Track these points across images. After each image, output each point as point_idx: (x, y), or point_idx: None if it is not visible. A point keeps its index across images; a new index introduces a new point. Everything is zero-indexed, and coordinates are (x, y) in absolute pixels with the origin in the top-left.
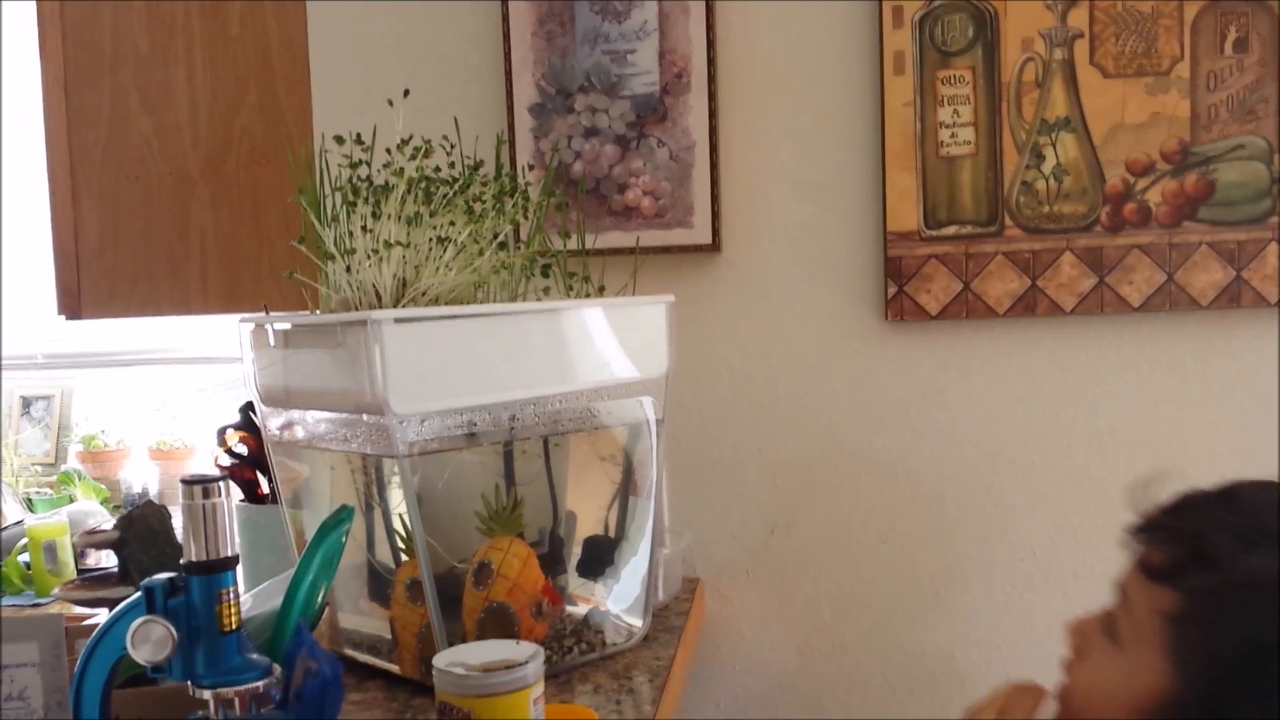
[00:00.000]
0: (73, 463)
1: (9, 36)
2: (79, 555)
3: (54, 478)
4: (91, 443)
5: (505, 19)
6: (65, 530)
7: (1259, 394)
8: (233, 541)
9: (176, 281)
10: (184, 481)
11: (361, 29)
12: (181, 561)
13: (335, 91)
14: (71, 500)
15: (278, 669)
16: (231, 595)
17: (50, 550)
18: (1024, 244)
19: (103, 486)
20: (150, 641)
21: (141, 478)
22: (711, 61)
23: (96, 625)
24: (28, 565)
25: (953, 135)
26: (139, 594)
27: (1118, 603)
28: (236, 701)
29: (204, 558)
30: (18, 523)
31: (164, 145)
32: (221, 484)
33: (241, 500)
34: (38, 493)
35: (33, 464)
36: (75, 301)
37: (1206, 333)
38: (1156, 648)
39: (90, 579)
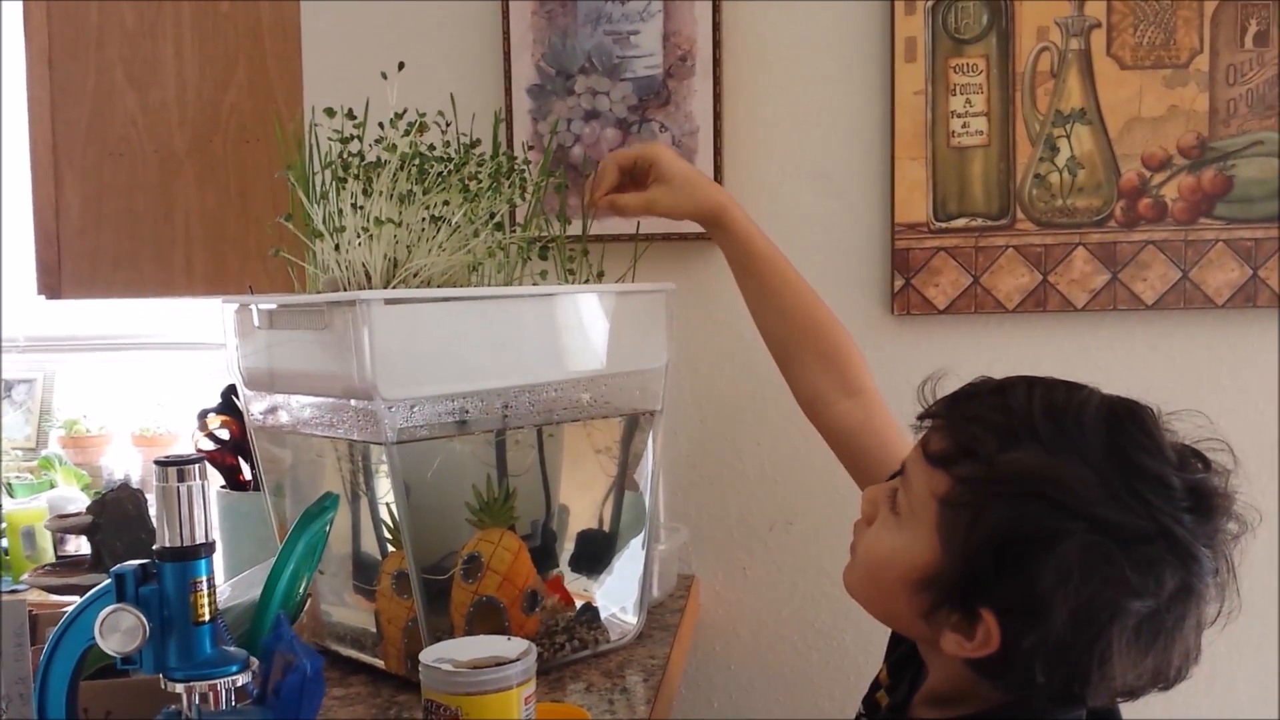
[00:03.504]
0: (54, 448)
1: None
2: (59, 541)
3: (35, 463)
4: (73, 428)
5: None
6: (44, 516)
7: (1274, 394)
8: (209, 527)
9: (160, 263)
10: (158, 463)
11: (355, 6)
12: (154, 547)
13: (327, 70)
14: (52, 486)
15: (255, 662)
16: (206, 584)
17: (29, 536)
18: (1036, 238)
19: (84, 473)
20: (119, 631)
21: (124, 464)
22: (717, 44)
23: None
24: (5, 551)
25: (964, 125)
26: (109, 581)
27: (902, 479)
28: (211, 696)
29: (178, 543)
30: None
31: (149, 123)
32: (198, 466)
33: (223, 487)
34: (18, 477)
35: (13, 449)
36: (55, 281)
37: (1222, 332)
38: (929, 525)
39: (62, 565)
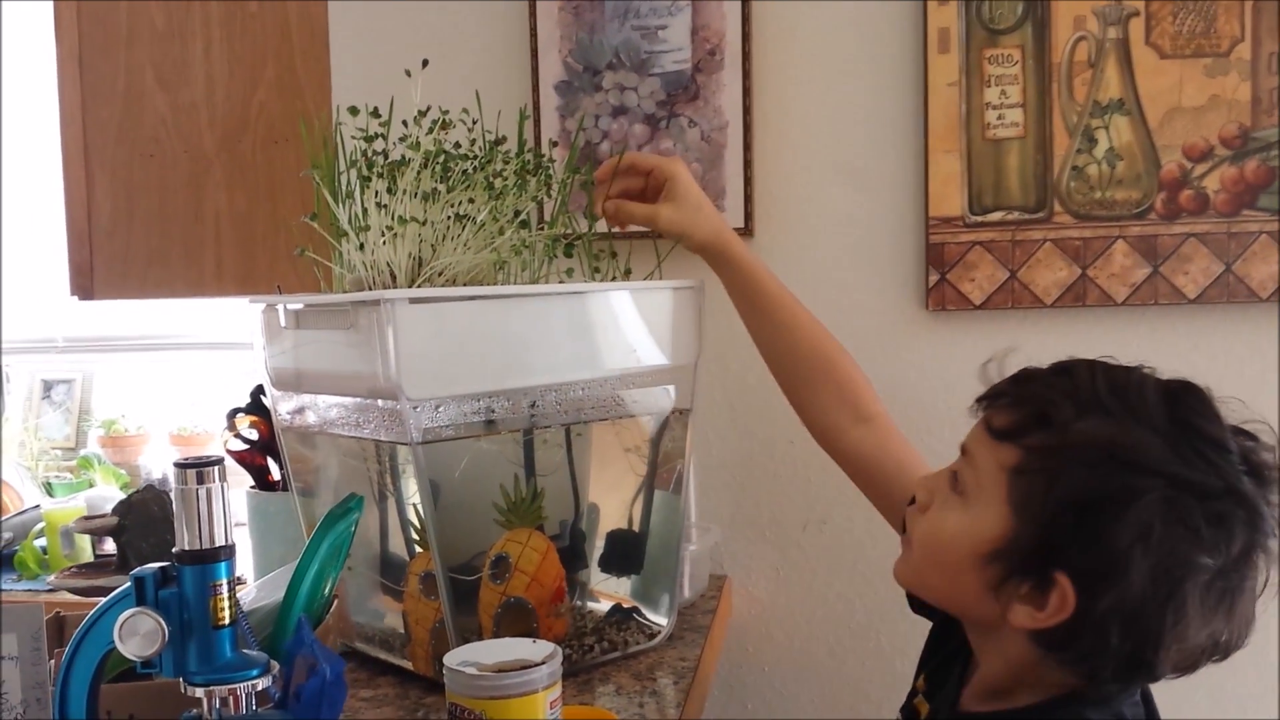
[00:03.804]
0: (93, 447)
1: (24, 10)
2: (97, 541)
3: (74, 462)
4: (112, 427)
5: None
6: (83, 515)
7: None
8: (229, 530)
9: (190, 263)
10: (177, 465)
11: (383, 5)
12: (173, 550)
13: (355, 69)
14: (91, 485)
15: (276, 666)
16: (226, 587)
17: (67, 535)
18: (1074, 231)
19: (123, 472)
20: (139, 635)
21: (161, 463)
22: (746, 38)
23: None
24: (44, 550)
25: (1000, 117)
26: (128, 584)
27: (962, 461)
28: (231, 700)
29: (197, 546)
30: (35, 507)
31: (179, 123)
32: (217, 468)
33: (252, 487)
34: (57, 477)
35: (53, 448)
36: (88, 282)
37: (1266, 326)
38: (998, 497)
39: (88, 566)
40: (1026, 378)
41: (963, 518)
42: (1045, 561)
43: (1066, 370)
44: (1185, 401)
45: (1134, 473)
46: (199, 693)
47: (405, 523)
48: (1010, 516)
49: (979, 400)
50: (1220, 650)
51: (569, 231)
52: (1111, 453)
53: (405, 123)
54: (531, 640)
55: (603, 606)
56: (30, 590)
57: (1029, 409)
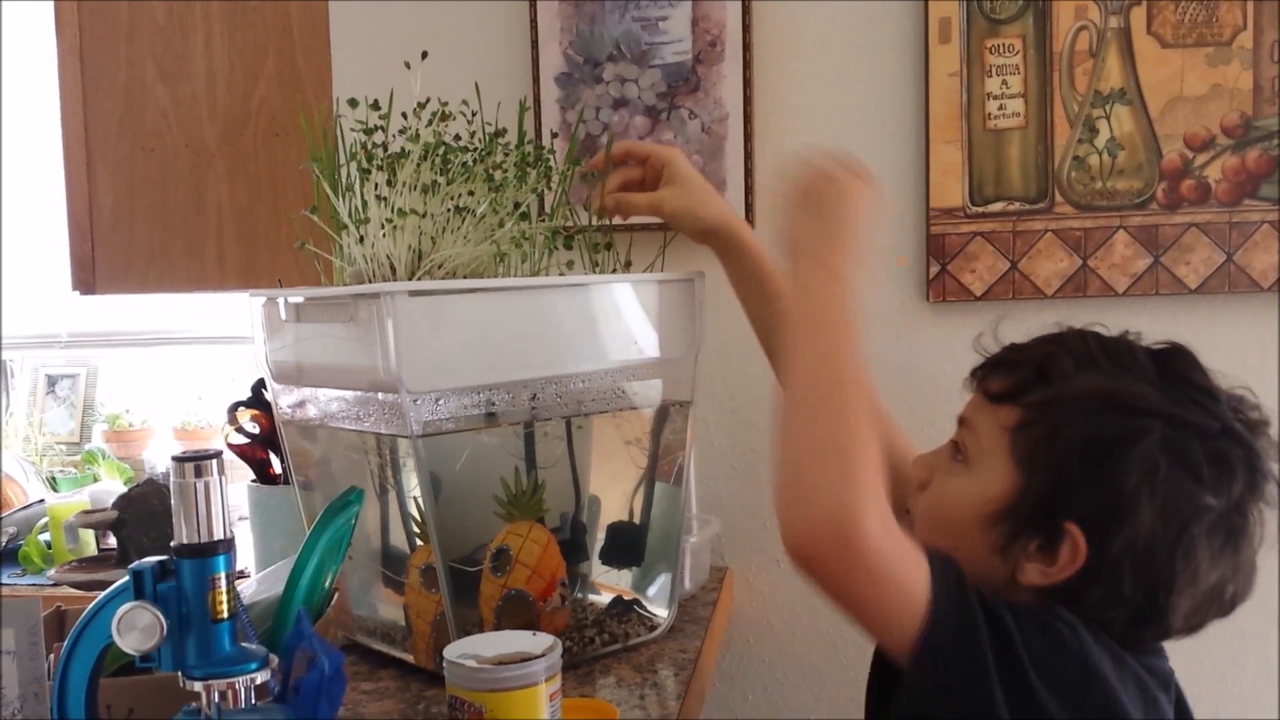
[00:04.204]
0: (98, 442)
1: (24, 4)
2: (100, 535)
3: (78, 457)
4: (116, 422)
5: None
6: (86, 509)
7: None
8: (227, 523)
9: (192, 257)
10: (174, 459)
11: None
12: (171, 544)
13: (356, 62)
14: (95, 480)
15: (275, 660)
16: (225, 581)
17: (71, 530)
18: (1075, 222)
19: (127, 466)
20: (137, 629)
21: (165, 457)
22: (747, 29)
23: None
24: (49, 544)
25: (1001, 107)
26: (127, 578)
27: (961, 431)
28: (230, 694)
29: (195, 540)
30: (39, 501)
31: (180, 117)
32: (215, 461)
33: (253, 481)
34: (62, 472)
35: (57, 443)
36: (89, 276)
37: (1267, 316)
38: (1002, 456)
39: (89, 560)
40: (1019, 346)
41: (966, 481)
42: (1053, 512)
43: (1058, 336)
44: (1174, 358)
45: (1134, 415)
46: (198, 687)
47: (406, 516)
48: (1016, 473)
49: (973, 372)
50: (1227, 603)
51: (569, 224)
52: (1110, 400)
53: (405, 115)
54: (531, 633)
55: (603, 599)
56: (34, 585)
57: (1027, 369)
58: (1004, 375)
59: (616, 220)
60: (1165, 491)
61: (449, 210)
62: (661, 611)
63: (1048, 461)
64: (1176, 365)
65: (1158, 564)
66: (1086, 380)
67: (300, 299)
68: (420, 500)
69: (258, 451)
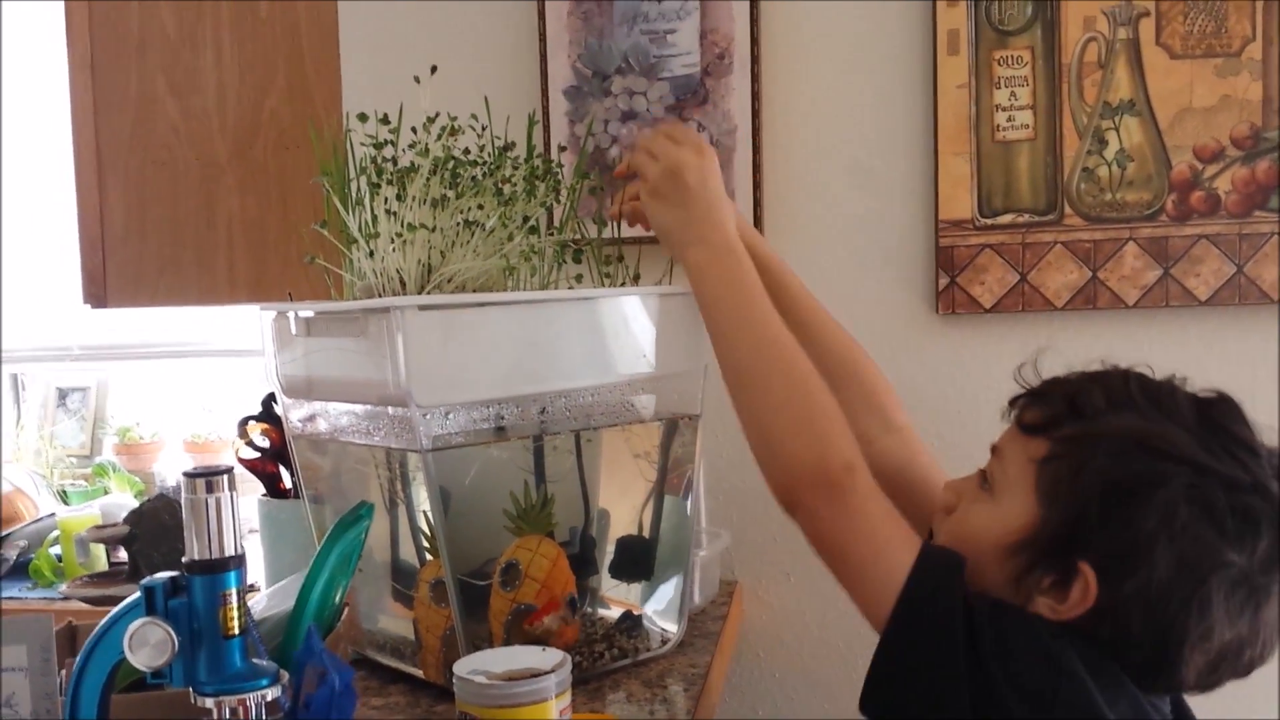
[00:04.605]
0: (108, 455)
1: (35, 18)
2: (111, 549)
3: (89, 470)
4: (127, 435)
5: None
6: (97, 523)
7: None
8: (238, 539)
9: (203, 270)
10: (185, 475)
11: (393, 9)
12: (183, 560)
13: (366, 74)
14: (106, 493)
15: (285, 675)
16: (236, 597)
17: (82, 544)
18: (1084, 233)
19: (137, 479)
20: (149, 645)
21: (176, 470)
22: (755, 41)
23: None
24: (59, 558)
25: (1009, 119)
26: (138, 594)
27: (991, 461)
28: (240, 710)
29: (207, 556)
30: (50, 515)
31: (191, 130)
32: (226, 477)
33: (263, 495)
34: (72, 485)
35: (68, 456)
36: (100, 290)
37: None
38: (1026, 488)
39: (100, 575)
40: (1059, 379)
41: (990, 511)
42: (1069, 549)
43: (1100, 374)
44: (1217, 407)
45: (1161, 459)
46: (209, 703)
47: (416, 530)
48: (1037, 505)
49: (1012, 401)
50: (1244, 665)
51: (578, 237)
52: (1139, 442)
53: (414, 129)
54: (541, 649)
55: (613, 613)
56: (44, 599)
57: (1061, 404)
58: (1039, 407)
59: (628, 233)
60: (1184, 540)
61: (458, 224)
62: (671, 626)
63: (1069, 497)
64: (1217, 414)
65: (1170, 613)
66: (1119, 419)
67: (310, 313)
68: (430, 514)
69: (268, 465)
